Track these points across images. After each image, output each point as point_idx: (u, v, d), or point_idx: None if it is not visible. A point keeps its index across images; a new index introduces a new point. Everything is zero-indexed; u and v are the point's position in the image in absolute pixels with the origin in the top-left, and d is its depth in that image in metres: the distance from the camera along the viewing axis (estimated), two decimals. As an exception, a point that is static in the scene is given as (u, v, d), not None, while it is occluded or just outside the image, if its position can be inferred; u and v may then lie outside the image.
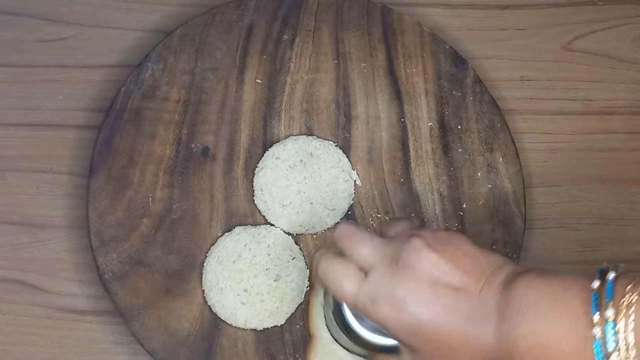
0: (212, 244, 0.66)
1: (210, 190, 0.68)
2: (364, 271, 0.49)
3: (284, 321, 0.65)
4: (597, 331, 0.41)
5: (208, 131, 0.70)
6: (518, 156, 0.71)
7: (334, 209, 0.68)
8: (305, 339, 0.64)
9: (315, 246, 0.67)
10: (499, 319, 0.45)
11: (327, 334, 0.63)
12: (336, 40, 0.74)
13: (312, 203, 0.68)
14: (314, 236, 0.67)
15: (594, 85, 0.77)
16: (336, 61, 0.73)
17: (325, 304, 0.63)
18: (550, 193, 0.73)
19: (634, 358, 0.40)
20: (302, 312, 0.65)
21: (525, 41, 0.78)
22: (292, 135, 0.70)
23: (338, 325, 0.56)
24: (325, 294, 0.62)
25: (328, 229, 0.68)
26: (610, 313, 0.41)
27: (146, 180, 0.68)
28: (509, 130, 0.71)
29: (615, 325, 0.40)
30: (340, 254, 0.51)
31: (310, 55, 0.73)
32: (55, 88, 0.73)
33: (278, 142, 0.70)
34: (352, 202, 0.69)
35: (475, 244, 0.49)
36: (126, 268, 0.65)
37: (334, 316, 0.56)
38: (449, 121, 0.72)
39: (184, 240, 0.66)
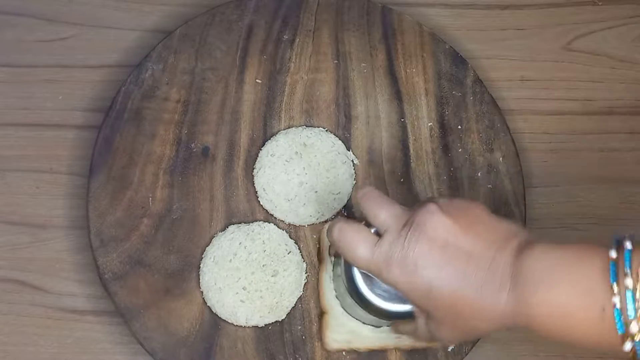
0: (207, 245, 0.66)
1: (210, 190, 0.68)
2: (380, 234, 0.50)
3: (285, 316, 0.65)
4: (616, 300, 0.41)
5: (208, 131, 0.70)
6: (518, 156, 0.71)
7: (339, 192, 0.68)
8: (304, 339, 0.64)
9: (314, 240, 0.67)
10: (513, 286, 0.45)
11: (339, 308, 0.63)
12: (336, 40, 0.74)
13: (316, 192, 0.68)
14: (312, 226, 0.67)
15: (594, 85, 0.77)
16: (336, 61, 0.73)
17: (334, 278, 0.62)
18: (550, 193, 0.73)
19: None
20: (302, 311, 0.65)
21: (525, 41, 0.78)
22: (282, 130, 0.70)
23: (351, 296, 0.55)
24: (335, 266, 0.62)
25: (337, 213, 0.68)
26: (629, 282, 0.41)
27: (146, 180, 0.68)
28: (509, 130, 0.71)
29: (634, 294, 0.41)
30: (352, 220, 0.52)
31: (310, 55, 0.73)
32: (55, 88, 0.73)
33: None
34: (354, 182, 0.69)
35: (491, 212, 0.49)
36: (126, 268, 0.65)
37: (346, 286, 0.56)
38: (449, 121, 0.72)
39: (184, 240, 0.66)
